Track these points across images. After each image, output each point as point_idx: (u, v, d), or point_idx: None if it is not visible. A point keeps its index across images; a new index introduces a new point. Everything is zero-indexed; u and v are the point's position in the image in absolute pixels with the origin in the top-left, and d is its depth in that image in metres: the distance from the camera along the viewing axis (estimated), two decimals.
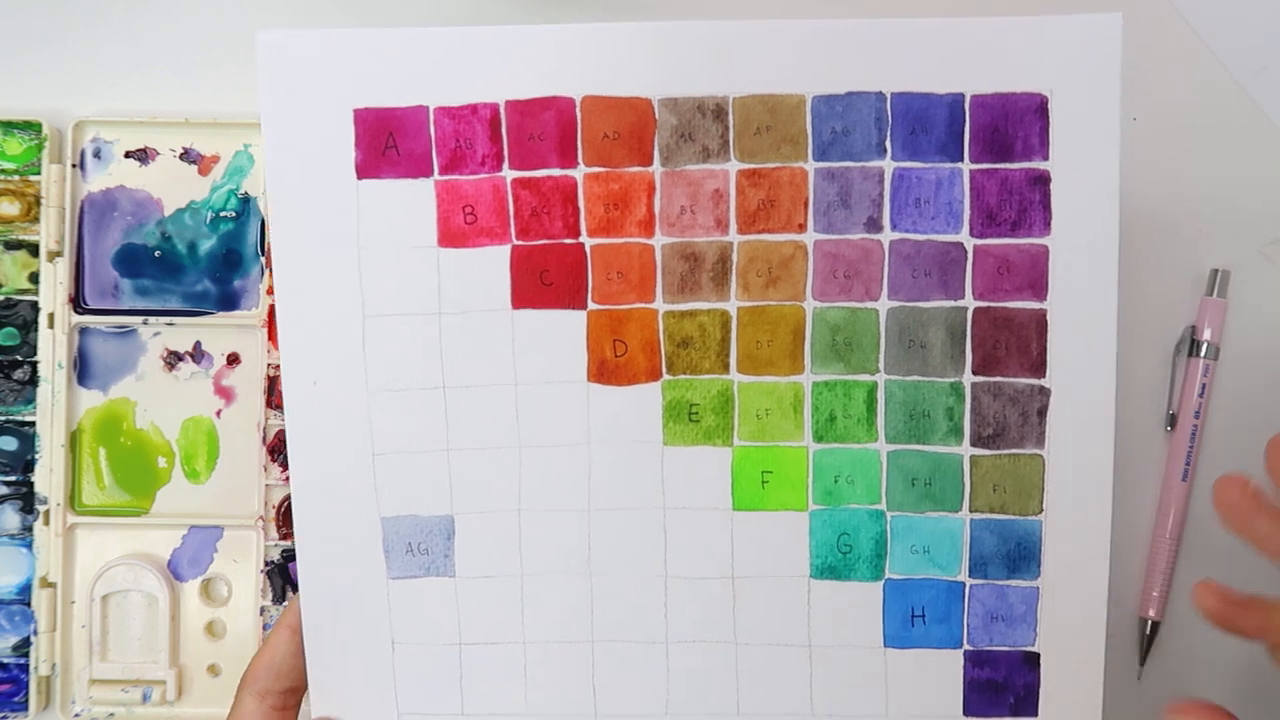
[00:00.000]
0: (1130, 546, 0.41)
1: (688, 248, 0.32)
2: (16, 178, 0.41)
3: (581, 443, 0.33)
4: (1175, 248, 0.40)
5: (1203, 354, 0.40)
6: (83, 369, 0.42)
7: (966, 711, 0.33)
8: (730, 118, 0.31)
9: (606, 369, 0.32)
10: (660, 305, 0.32)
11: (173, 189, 0.41)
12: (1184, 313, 0.41)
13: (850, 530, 0.33)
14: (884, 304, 0.32)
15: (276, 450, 0.41)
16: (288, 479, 0.41)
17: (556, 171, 0.32)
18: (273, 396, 0.41)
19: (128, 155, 0.41)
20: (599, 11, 0.39)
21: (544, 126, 0.32)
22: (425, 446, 0.33)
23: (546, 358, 0.32)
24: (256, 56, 0.31)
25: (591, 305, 0.32)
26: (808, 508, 0.33)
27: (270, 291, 0.41)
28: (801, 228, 0.32)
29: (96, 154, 0.41)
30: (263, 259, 0.41)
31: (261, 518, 0.41)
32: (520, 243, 0.32)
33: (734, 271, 0.32)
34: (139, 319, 0.41)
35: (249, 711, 0.33)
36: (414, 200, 0.32)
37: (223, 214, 0.41)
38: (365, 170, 0.32)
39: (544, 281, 0.32)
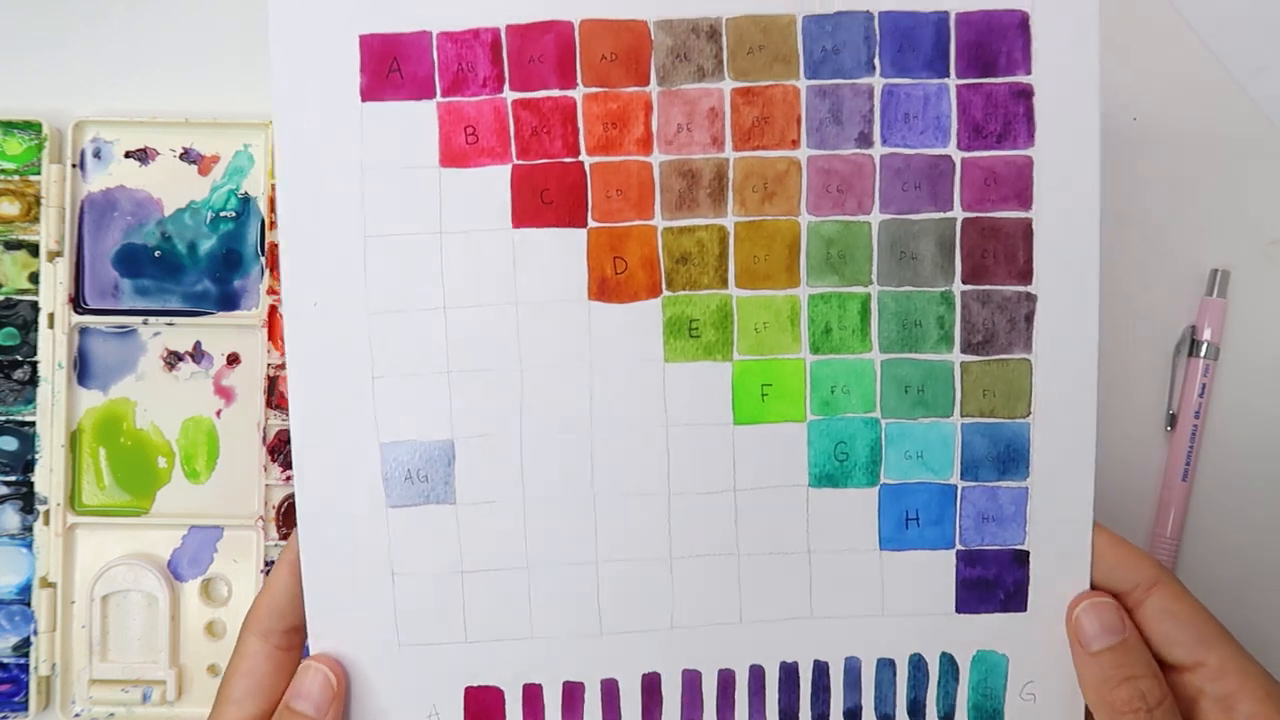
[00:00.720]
0: None
1: (685, 165, 0.33)
2: (16, 178, 0.41)
3: (583, 361, 0.33)
4: (1175, 248, 0.41)
5: (1203, 354, 0.41)
6: (83, 369, 0.42)
7: (959, 608, 0.34)
8: (724, 38, 0.32)
9: (607, 286, 0.33)
10: (659, 222, 0.33)
11: (173, 189, 0.41)
12: (1184, 313, 0.41)
13: (846, 439, 0.34)
14: (876, 217, 0.33)
15: (276, 450, 0.41)
16: (288, 479, 0.41)
17: (556, 92, 0.32)
18: (273, 397, 0.41)
19: (128, 155, 0.42)
20: None
21: (543, 49, 0.32)
22: (425, 369, 0.33)
23: (547, 276, 0.33)
24: None
25: (591, 223, 0.33)
26: (806, 418, 0.34)
27: (271, 291, 0.41)
28: (795, 144, 0.33)
29: (96, 154, 0.41)
30: (263, 259, 0.41)
31: (261, 518, 0.41)
32: (520, 162, 0.33)
33: (730, 188, 0.33)
34: (139, 319, 0.42)
35: (253, 652, 0.33)
36: (416, 122, 0.32)
37: (223, 214, 0.41)
38: (369, 93, 0.32)
39: (544, 200, 0.33)
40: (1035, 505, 0.34)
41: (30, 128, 0.41)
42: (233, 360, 0.42)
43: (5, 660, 0.42)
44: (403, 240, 0.33)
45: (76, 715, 0.42)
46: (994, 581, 0.34)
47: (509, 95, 0.32)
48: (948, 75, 0.32)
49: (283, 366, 0.41)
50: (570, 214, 0.33)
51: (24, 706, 0.41)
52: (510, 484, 0.33)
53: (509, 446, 0.33)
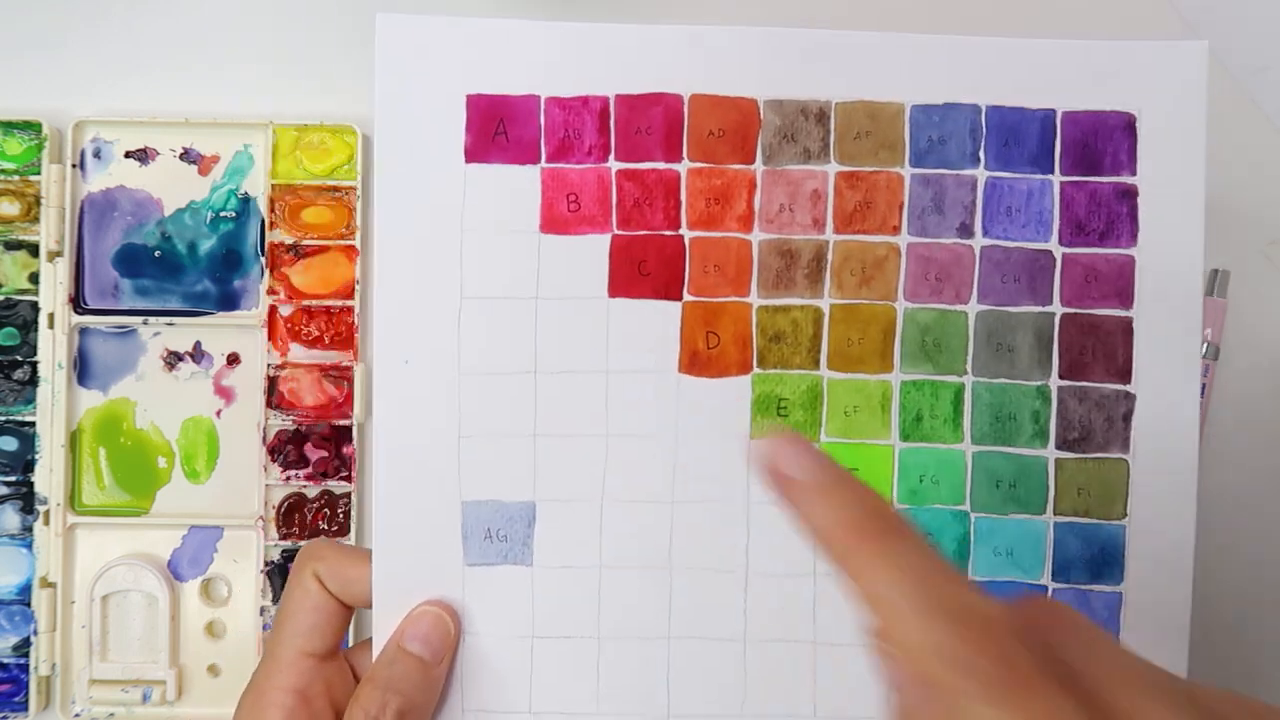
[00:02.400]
0: None
1: (785, 244, 0.33)
2: (16, 178, 0.41)
3: (669, 434, 0.33)
4: None
5: (1203, 354, 0.40)
6: (83, 369, 0.42)
7: None
8: (832, 121, 0.33)
9: (698, 360, 0.33)
10: (755, 299, 0.33)
11: (173, 189, 0.41)
12: None
13: (934, 530, 0.33)
14: (973, 307, 0.33)
15: (276, 450, 0.41)
16: (288, 479, 0.41)
17: (661, 165, 0.33)
18: (273, 397, 0.41)
19: (128, 155, 0.42)
20: (627, 9, 0.39)
21: (651, 121, 0.33)
22: (512, 431, 0.33)
23: (639, 347, 0.33)
24: (375, 38, 0.32)
25: (687, 297, 0.33)
26: (893, 506, 0.33)
27: (271, 292, 0.41)
28: (896, 230, 0.33)
29: (96, 154, 0.41)
30: (262, 259, 0.41)
31: (261, 518, 0.41)
32: (621, 232, 0.33)
33: (828, 269, 0.33)
34: (139, 319, 0.41)
35: (315, 590, 0.32)
36: (520, 186, 0.33)
37: (223, 214, 0.41)
38: (474, 155, 0.33)
39: (642, 271, 0.33)
40: (1129, 611, 0.32)
41: (30, 128, 0.41)
42: (233, 360, 0.42)
43: (5, 660, 0.41)
44: (499, 303, 0.33)
45: (76, 715, 0.41)
46: None
47: (614, 165, 0.33)
48: (1052, 172, 0.33)
49: (283, 366, 0.41)
50: (667, 286, 0.33)
51: (24, 706, 0.41)
52: (588, 550, 0.33)
53: (589, 513, 0.33)
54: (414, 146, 0.32)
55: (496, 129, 0.33)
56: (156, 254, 0.42)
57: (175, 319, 0.41)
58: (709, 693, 0.33)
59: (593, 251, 0.33)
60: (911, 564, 0.22)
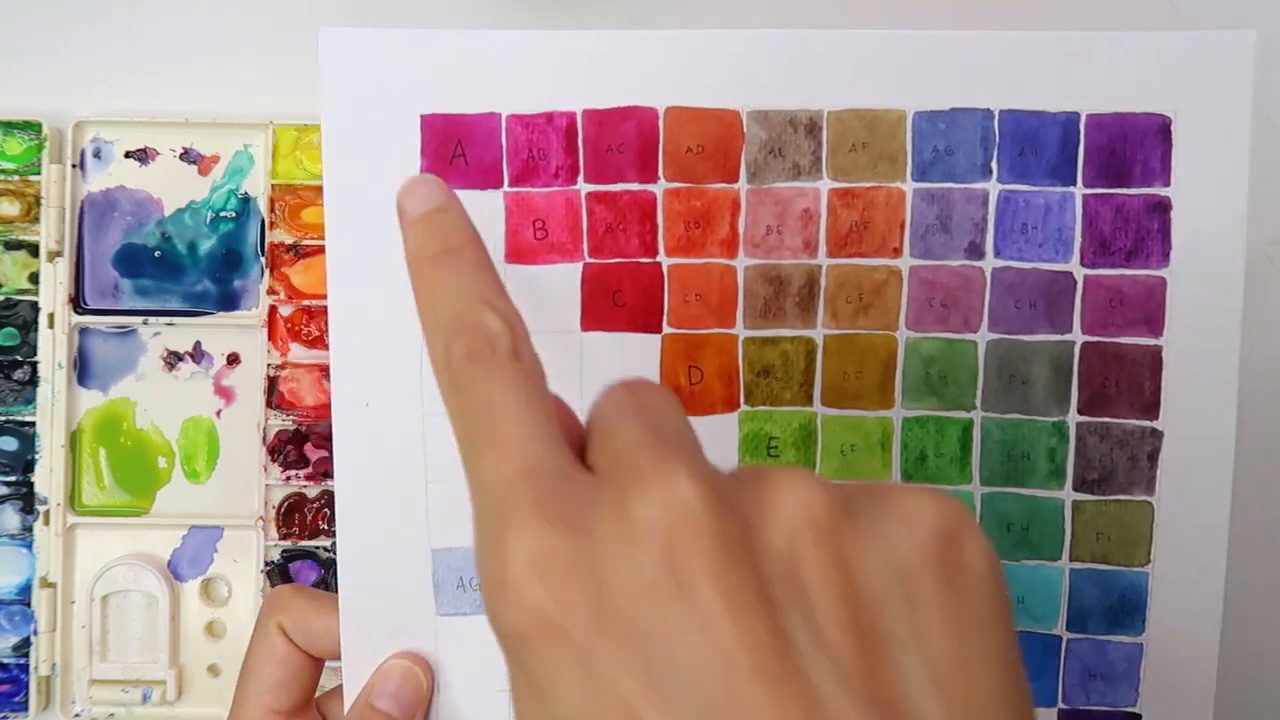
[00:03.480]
0: None
1: (773, 270, 0.30)
2: (16, 178, 0.41)
3: None
4: None
5: None
6: (83, 369, 0.42)
7: None
8: (824, 133, 0.29)
9: (680, 397, 0.30)
10: (741, 331, 0.30)
11: (173, 189, 0.41)
12: None
13: None
14: (984, 336, 0.30)
15: (276, 450, 0.41)
16: (288, 479, 0.41)
17: (635, 186, 0.30)
18: (273, 397, 0.41)
19: (128, 155, 0.41)
20: (612, 12, 0.38)
21: (623, 138, 0.29)
22: None
23: None
24: (319, 54, 0.29)
25: (667, 329, 0.30)
26: None
27: (271, 292, 0.40)
28: (896, 252, 0.30)
29: (96, 154, 0.41)
30: (262, 259, 0.40)
31: (261, 518, 0.41)
32: (593, 260, 0.30)
33: (821, 297, 0.30)
34: (139, 319, 0.41)
35: (279, 643, 0.31)
36: (481, 213, 0.30)
37: (223, 214, 0.41)
38: None
39: (617, 302, 0.30)
40: (1150, 664, 0.30)
41: (30, 128, 0.41)
42: (233, 360, 0.41)
43: (5, 660, 0.41)
44: None
45: (76, 715, 0.41)
46: None
47: (583, 187, 0.30)
48: (1074, 183, 0.29)
49: (283, 366, 0.41)
50: (644, 318, 0.30)
51: (24, 707, 0.41)
52: None
53: None
54: (366, 173, 0.30)
55: (454, 151, 0.30)
56: (156, 254, 0.41)
57: (175, 319, 0.41)
58: None
59: (563, 282, 0.30)
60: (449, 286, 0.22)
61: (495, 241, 0.30)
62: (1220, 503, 0.29)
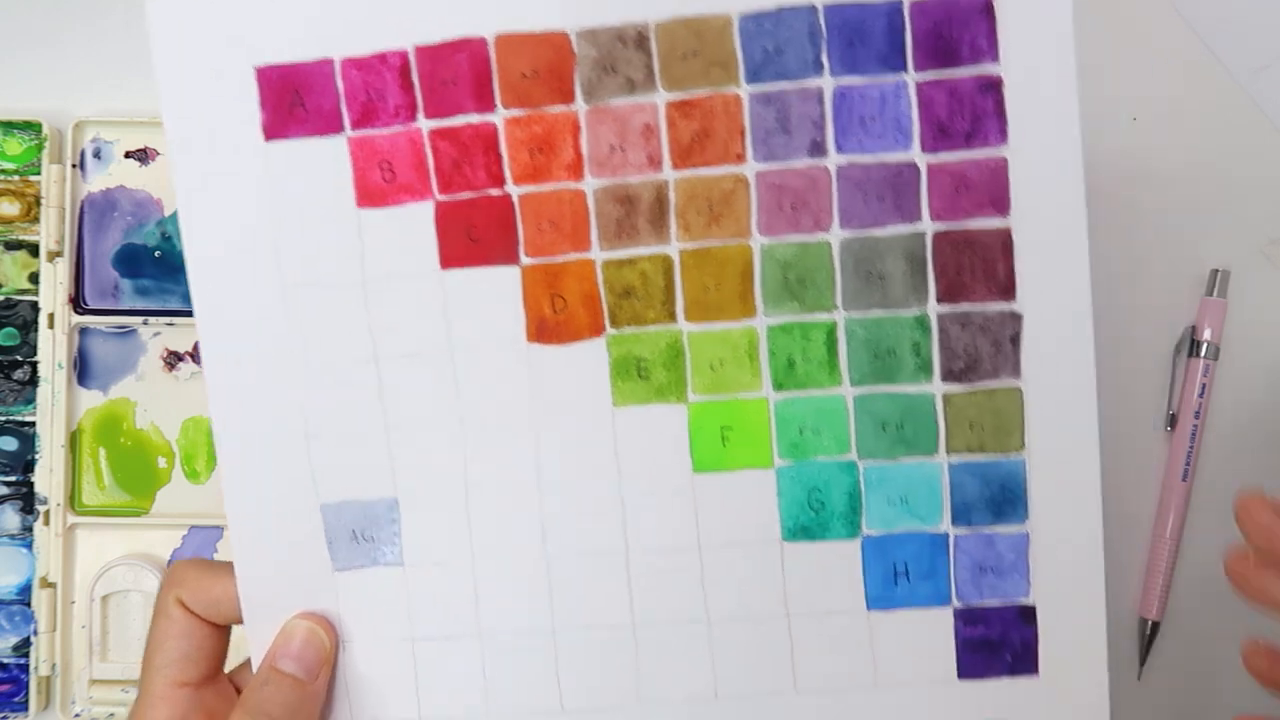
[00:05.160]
0: (1130, 547, 0.41)
1: (621, 189, 0.30)
2: (16, 178, 0.41)
3: (526, 409, 0.30)
4: (1175, 248, 0.41)
5: (1203, 354, 0.40)
6: (83, 369, 0.42)
7: (961, 674, 0.30)
8: (653, 45, 0.29)
9: (546, 327, 0.30)
10: (597, 254, 0.30)
11: (172, 189, 0.42)
12: (1184, 313, 0.41)
13: (821, 485, 0.30)
14: (836, 235, 0.29)
15: None
16: None
17: (475, 118, 0.30)
18: None
19: (128, 155, 0.42)
20: None
21: (457, 70, 0.30)
22: (361, 425, 0.31)
23: (481, 320, 0.30)
24: (148, 19, 0.29)
25: (524, 260, 0.30)
26: (773, 464, 0.30)
27: None
28: (740, 158, 0.29)
29: (96, 154, 0.42)
30: None
31: None
32: (443, 198, 0.30)
33: (672, 211, 0.30)
34: (139, 319, 0.42)
35: (180, 616, 0.31)
36: (327, 159, 0.30)
37: None
38: (272, 130, 0.30)
39: (471, 237, 0.30)
40: (1038, 552, 0.29)
41: (30, 128, 0.41)
42: None
43: (5, 660, 0.42)
44: (325, 288, 0.30)
45: (76, 715, 0.42)
46: (999, 642, 0.30)
47: (424, 124, 0.30)
48: (905, 70, 0.29)
49: None
50: (501, 251, 0.30)
51: (24, 707, 0.41)
52: (459, 544, 0.31)
53: (455, 504, 0.31)
54: (208, 130, 0.30)
55: (293, 100, 0.30)
56: (156, 254, 0.42)
57: (175, 319, 0.42)
58: (602, 682, 0.31)
59: (417, 222, 0.30)
60: None
61: (344, 187, 0.30)
62: (1085, 379, 0.29)
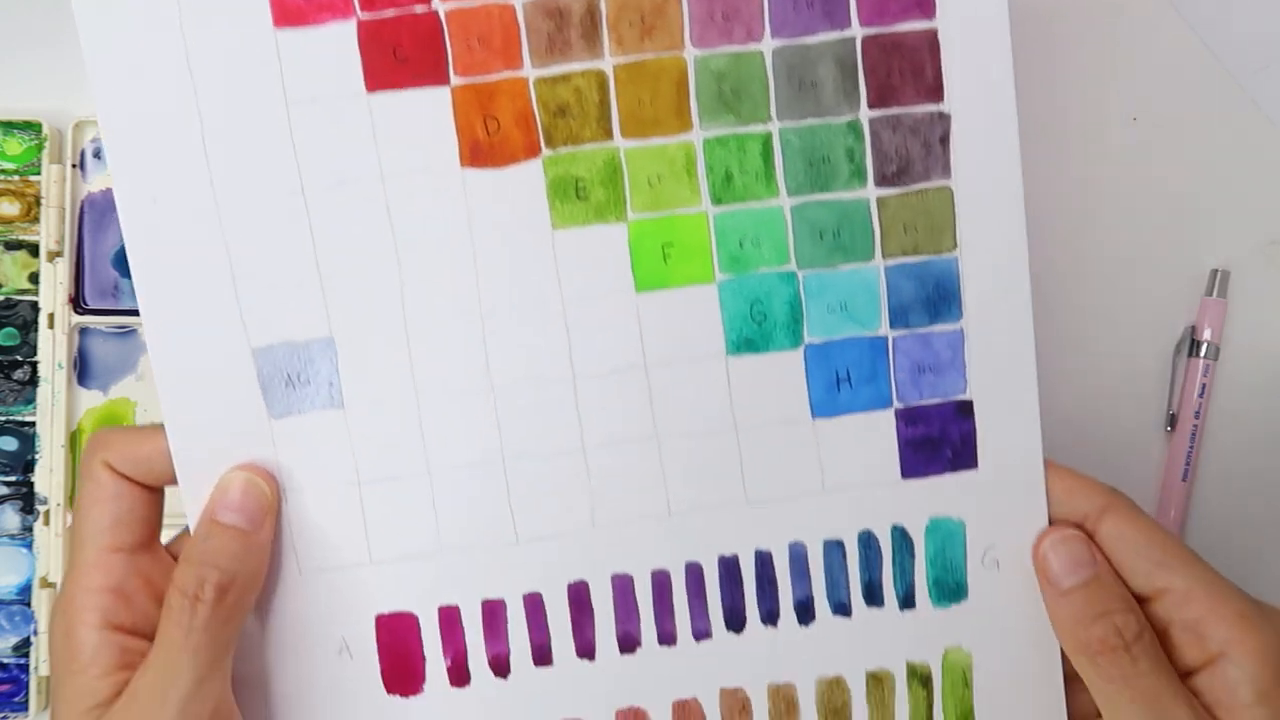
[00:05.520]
0: None
1: (550, 2, 0.29)
2: (16, 178, 0.41)
3: (463, 236, 0.30)
4: (1175, 248, 0.41)
5: (1203, 354, 0.40)
6: (83, 369, 0.42)
7: (905, 473, 0.31)
8: None
9: (480, 150, 0.30)
10: (529, 72, 0.29)
11: None
12: (1184, 313, 0.41)
13: (762, 296, 0.30)
14: (768, 44, 0.30)
15: None
16: None
17: None
18: None
19: None
20: None
21: None
22: (290, 261, 0.29)
23: (412, 144, 0.29)
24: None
25: (455, 80, 0.29)
26: (715, 279, 0.30)
27: None
28: None
29: (96, 154, 0.42)
30: None
31: None
32: (366, 15, 0.29)
33: (604, 24, 0.29)
34: (139, 319, 0.40)
35: (108, 480, 0.30)
36: None
37: None
38: None
39: (398, 57, 0.29)
40: (973, 348, 0.31)
41: (30, 128, 0.41)
42: None
43: (5, 660, 0.41)
44: (244, 116, 0.29)
45: None
46: (939, 439, 0.31)
47: None
48: None
49: None
50: (429, 71, 0.29)
51: (24, 707, 0.41)
52: (400, 381, 0.30)
53: (394, 339, 0.30)
54: (140, 97, 0.28)
55: None
56: None
57: None
58: (555, 509, 0.31)
59: (339, 41, 0.29)
60: None
61: (260, 6, 0.29)
62: (1012, 175, 0.30)
